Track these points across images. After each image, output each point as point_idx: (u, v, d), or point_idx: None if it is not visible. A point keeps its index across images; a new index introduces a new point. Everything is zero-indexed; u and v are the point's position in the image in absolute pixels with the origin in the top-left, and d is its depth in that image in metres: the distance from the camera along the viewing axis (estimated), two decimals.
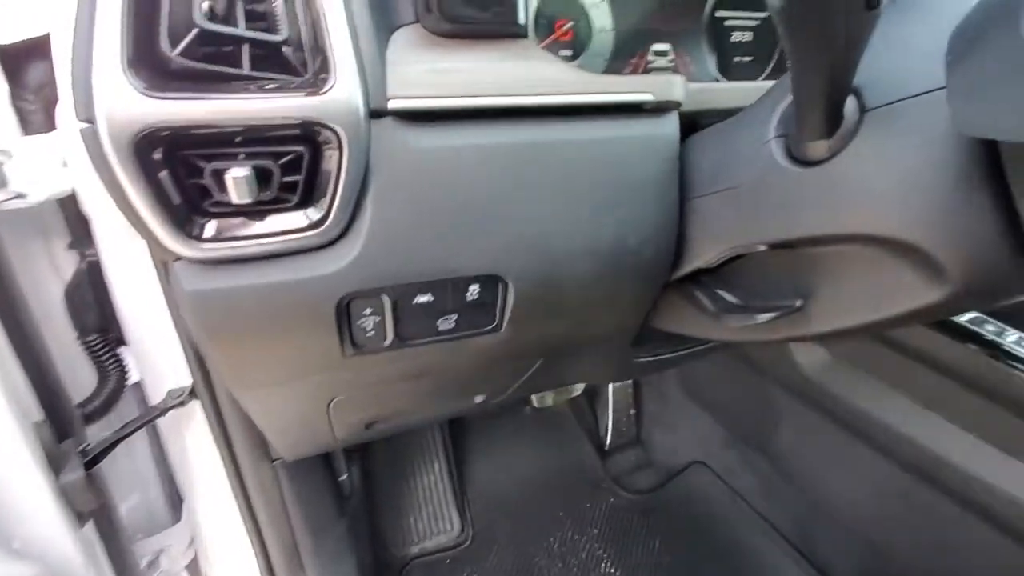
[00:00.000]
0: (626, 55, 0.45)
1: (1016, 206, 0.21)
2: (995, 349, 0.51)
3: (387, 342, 0.31)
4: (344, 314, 0.29)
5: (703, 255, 0.33)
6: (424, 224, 0.29)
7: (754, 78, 0.43)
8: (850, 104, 0.25)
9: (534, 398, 0.96)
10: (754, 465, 0.87)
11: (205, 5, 0.24)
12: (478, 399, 0.51)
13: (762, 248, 0.30)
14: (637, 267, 0.34)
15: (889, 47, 0.24)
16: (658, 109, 0.33)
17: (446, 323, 0.31)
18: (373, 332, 0.30)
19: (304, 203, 0.26)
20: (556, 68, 0.31)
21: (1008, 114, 0.17)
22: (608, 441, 1.03)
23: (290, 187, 0.25)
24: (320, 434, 0.42)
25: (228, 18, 0.24)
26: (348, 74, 0.25)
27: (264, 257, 0.26)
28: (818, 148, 0.25)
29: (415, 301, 0.30)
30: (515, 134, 0.30)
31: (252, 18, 0.25)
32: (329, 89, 0.25)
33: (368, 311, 0.29)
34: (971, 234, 0.22)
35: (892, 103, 0.23)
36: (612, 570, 0.84)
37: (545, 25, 0.42)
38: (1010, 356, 0.50)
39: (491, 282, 0.31)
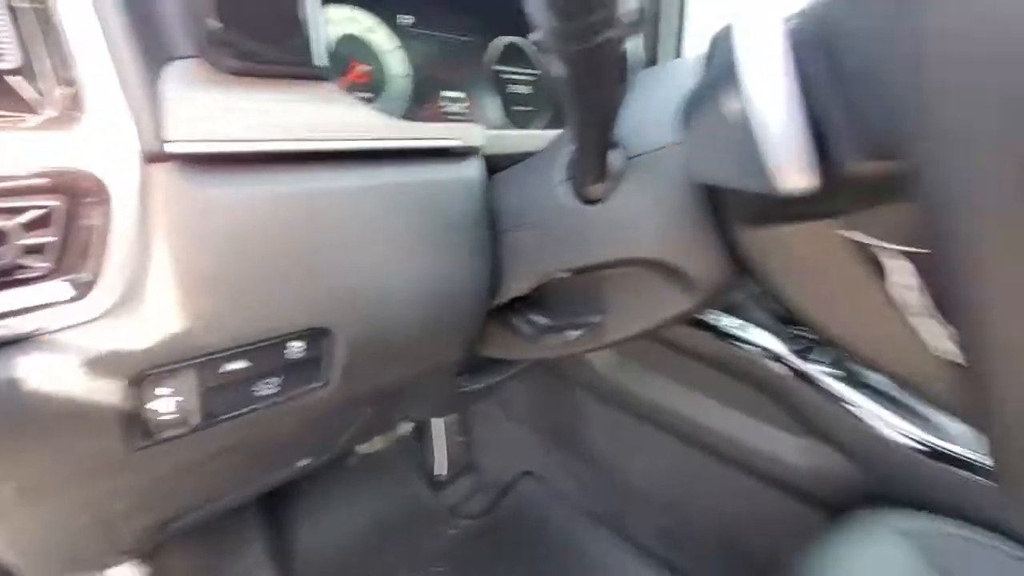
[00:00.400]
0: (422, 100, 0.47)
1: (733, 234, 0.28)
2: (719, 332, 0.67)
3: (192, 424, 0.26)
4: (130, 400, 0.24)
5: (518, 284, 0.36)
6: (225, 281, 0.25)
7: (539, 127, 0.49)
8: (619, 154, 0.30)
9: (358, 450, 0.91)
10: (572, 467, 0.97)
11: None
12: (302, 463, 0.46)
13: (565, 275, 0.35)
14: (459, 302, 0.35)
15: (644, 108, 0.30)
16: (462, 153, 0.36)
17: (267, 388, 0.28)
18: (172, 416, 0.25)
19: (63, 269, 0.21)
20: (357, 112, 0.30)
21: (716, 167, 0.23)
22: (441, 473, 1.02)
23: (38, 250, 0.20)
24: (93, 553, 0.33)
25: None
26: (108, 110, 0.21)
27: (10, 342, 0.20)
28: (596, 190, 0.31)
29: (225, 369, 0.26)
30: (315, 180, 0.28)
31: None
32: (82, 128, 0.21)
33: (164, 392, 0.25)
34: (708, 255, 0.29)
35: (648, 152, 0.30)
36: None
37: (340, 67, 0.42)
38: (728, 335, 0.66)
39: (316, 336, 0.29)
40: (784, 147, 0.18)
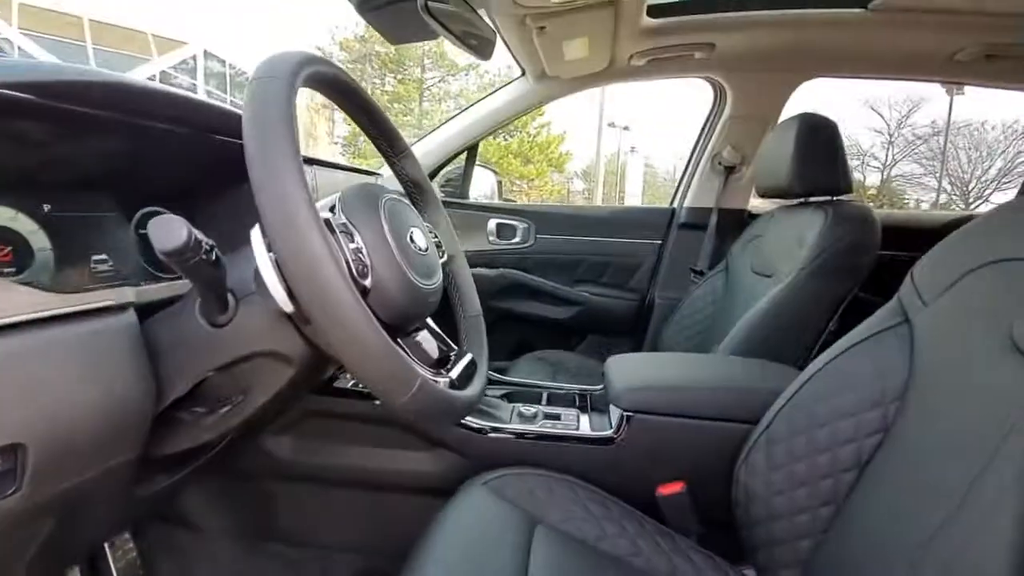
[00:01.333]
0: (70, 266, 0.59)
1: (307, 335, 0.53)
2: (359, 393, 0.94)
3: None
4: None
5: (177, 389, 0.53)
6: None
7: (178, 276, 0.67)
8: (232, 297, 0.53)
9: None
10: (282, 554, 1.05)
11: None
12: None
13: (211, 374, 0.54)
14: (130, 408, 0.50)
15: (244, 275, 0.54)
16: (118, 308, 0.52)
17: None
18: None
19: None
20: (10, 295, 0.43)
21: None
22: None
23: None
24: None
25: None
26: None
27: None
28: (223, 318, 0.52)
29: None
30: None
31: None
32: None
33: None
34: (296, 345, 0.54)
35: (247, 294, 0.53)
36: None
37: None
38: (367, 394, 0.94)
39: (11, 450, 0.40)
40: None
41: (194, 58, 14.33)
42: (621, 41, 1.33)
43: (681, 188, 1.87)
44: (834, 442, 0.71)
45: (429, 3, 0.84)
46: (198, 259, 0.42)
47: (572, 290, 1.90)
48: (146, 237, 0.71)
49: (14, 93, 0.44)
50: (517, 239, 1.92)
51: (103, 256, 0.62)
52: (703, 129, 1.77)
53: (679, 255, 1.82)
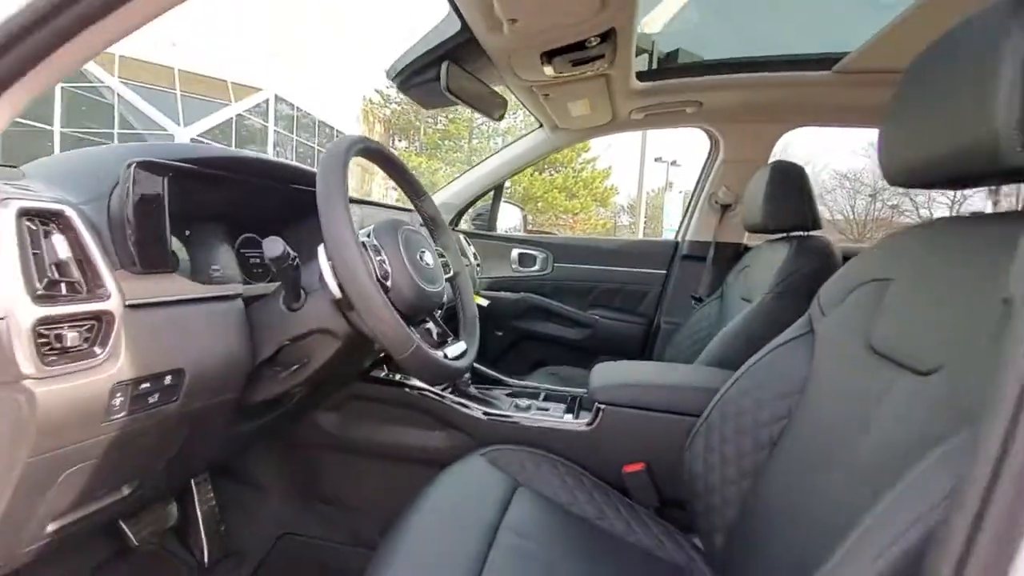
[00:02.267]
0: (198, 272, 0.88)
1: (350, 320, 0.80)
2: (391, 382, 1.19)
3: (125, 411, 0.61)
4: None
5: (266, 351, 0.81)
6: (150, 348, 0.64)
7: (265, 280, 0.95)
8: (303, 291, 0.80)
9: (131, 535, 1.06)
10: (321, 512, 1.30)
11: None
12: (126, 490, 0.76)
13: (287, 343, 0.81)
14: (237, 359, 0.77)
15: (311, 277, 0.81)
16: (234, 296, 0.80)
17: (152, 398, 0.65)
18: (119, 407, 0.61)
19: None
20: (174, 282, 0.72)
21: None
22: (206, 559, 1.21)
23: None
24: None
25: None
26: None
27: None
28: (296, 305, 0.79)
29: (139, 388, 0.63)
30: (183, 307, 0.69)
31: None
32: None
33: (118, 397, 0.60)
34: (341, 325, 0.80)
35: (313, 291, 0.80)
36: None
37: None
38: (396, 383, 1.19)
39: (176, 373, 0.67)
40: None
41: (266, 102, 15.80)
42: (617, 100, 1.58)
43: (684, 223, 2.07)
44: (753, 427, 0.89)
45: (450, 85, 1.13)
46: (287, 264, 0.69)
47: (586, 314, 2.11)
48: (244, 254, 1.01)
49: (186, 165, 0.74)
50: (537, 267, 2.17)
51: (217, 266, 0.92)
52: (702, 171, 1.99)
53: (682, 283, 2.01)
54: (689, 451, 0.95)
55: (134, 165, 0.64)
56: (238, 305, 0.79)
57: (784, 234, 1.50)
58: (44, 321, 0.52)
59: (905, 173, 0.66)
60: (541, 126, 1.90)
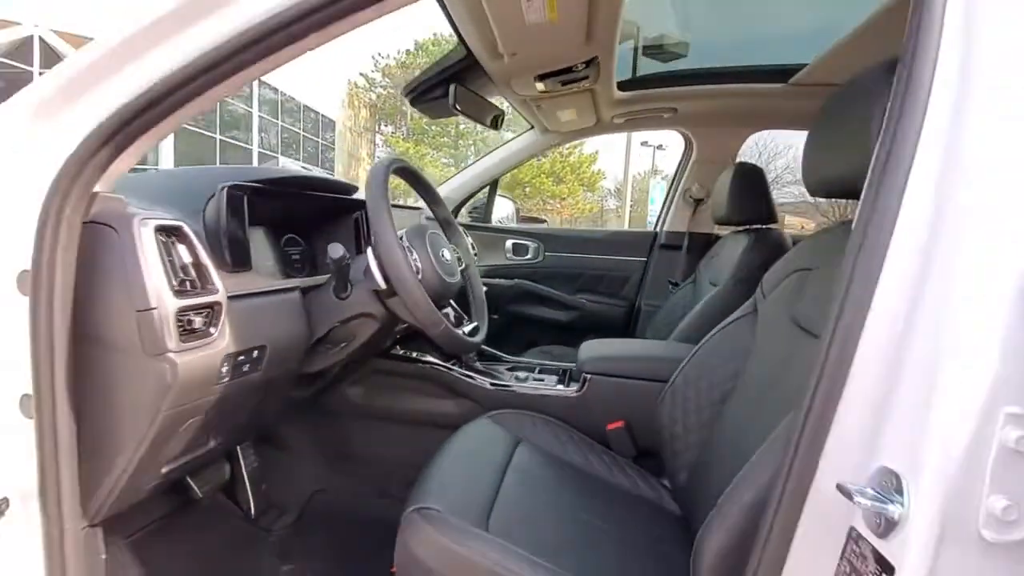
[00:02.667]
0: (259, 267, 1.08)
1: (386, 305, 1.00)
2: (409, 359, 1.40)
3: (227, 377, 0.81)
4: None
5: (320, 331, 1.01)
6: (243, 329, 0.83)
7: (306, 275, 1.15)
8: (350, 283, 1.00)
9: (196, 488, 1.26)
10: (349, 472, 1.51)
11: None
12: (212, 443, 0.96)
13: (338, 324, 1.01)
14: (298, 337, 0.97)
15: (357, 271, 1.01)
16: (292, 288, 0.99)
17: (244, 368, 0.84)
18: (224, 375, 0.80)
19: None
20: (253, 277, 0.92)
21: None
22: (252, 511, 1.41)
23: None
24: None
25: None
26: None
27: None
28: (344, 295, 0.99)
29: (236, 359, 0.83)
30: (253, 299, 0.89)
31: None
32: None
33: (224, 366, 0.80)
34: (380, 310, 1.00)
35: (359, 282, 1.00)
36: None
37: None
38: (412, 359, 1.40)
39: (262, 348, 0.87)
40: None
41: (250, 88, 15.63)
42: (601, 108, 1.78)
43: (661, 215, 2.29)
44: (708, 388, 1.11)
45: (456, 103, 1.32)
46: (345, 264, 0.89)
47: (573, 298, 2.33)
48: (287, 252, 1.20)
49: (258, 184, 0.93)
50: (529, 256, 2.38)
51: (269, 263, 1.11)
52: (677, 168, 2.20)
53: (660, 270, 2.24)
54: (659, 410, 1.17)
55: (226, 188, 0.83)
56: (297, 295, 0.99)
57: (746, 226, 1.72)
58: (181, 310, 0.72)
59: (816, 184, 0.87)
60: (532, 128, 2.08)
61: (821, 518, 0.47)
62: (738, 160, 2.01)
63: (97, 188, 0.69)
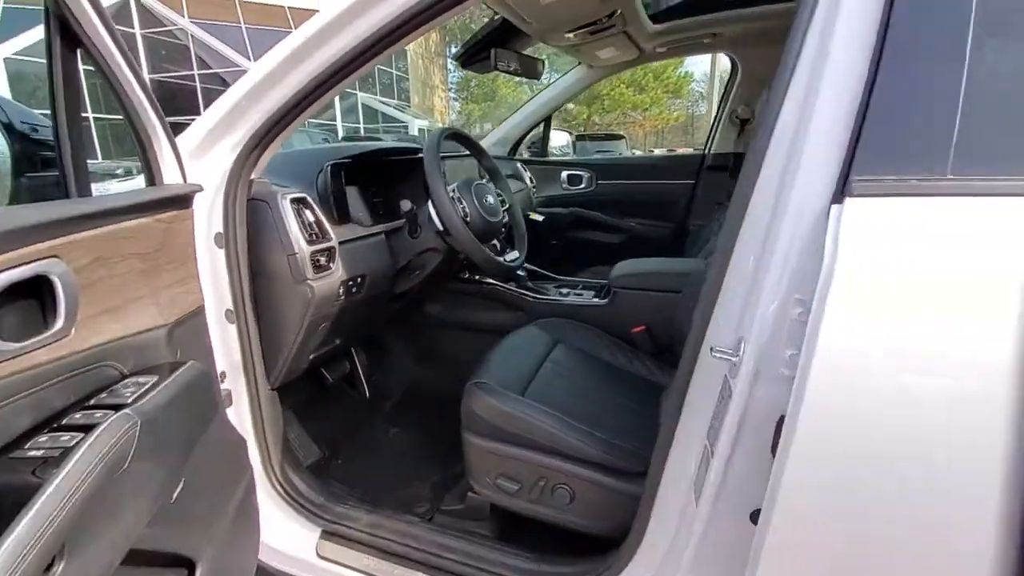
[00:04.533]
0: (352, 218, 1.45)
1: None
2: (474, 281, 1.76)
3: (343, 295, 1.21)
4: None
5: (399, 264, 1.38)
6: (350, 264, 1.22)
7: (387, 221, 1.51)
8: (418, 228, 1.35)
9: (328, 376, 1.75)
10: (432, 367, 1.95)
11: None
12: (338, 341, 1.39)
13: (412, 257, 1.37)
14: (386, 271, 1.34)
15: (424, 217, 1.35)
16: (379, 233, 1.36)
17: (353, 290, 1.24)
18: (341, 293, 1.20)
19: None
20: (352, 227, 1.29)
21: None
22: (367, 395, 1.91)
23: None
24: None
25: None
26: None
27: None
28: (415, 235, 1.34)
29: (348, 284, 1.22)
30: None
31: None
32: None
33: (340, 288, 1.19)
34: (442, 245, 1.35)
35: (426, 224, 1.34)
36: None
37: None
38: (475, 280, 1.75)
39: (362, 276, 1.26)
40: None
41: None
42: (640, 41, 1.89)
43: (709, 137, 2.38)
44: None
45: (497, 64, 1.55)
46: (413, 212, 1.23)
47: (623, 221, 2.54)
48: (374, 203, 1.56)
49: (350, 160, 1.27)
50: (583, 185, 2.60)
51: (361, 213, 1.48)
52: (724, 90, 2.25)
53: (707, 191, 2.37)
54: (675, 316, 1.44)
55: (329, 165, 1.18)
56: (383, 237, 1.36)
57: None
58: (312, 253, 1.10)
59: None
60: (579, 64, 2.23)
61: (705, 369, 0.77)
62: None
63: (252, 176, 1.06)
